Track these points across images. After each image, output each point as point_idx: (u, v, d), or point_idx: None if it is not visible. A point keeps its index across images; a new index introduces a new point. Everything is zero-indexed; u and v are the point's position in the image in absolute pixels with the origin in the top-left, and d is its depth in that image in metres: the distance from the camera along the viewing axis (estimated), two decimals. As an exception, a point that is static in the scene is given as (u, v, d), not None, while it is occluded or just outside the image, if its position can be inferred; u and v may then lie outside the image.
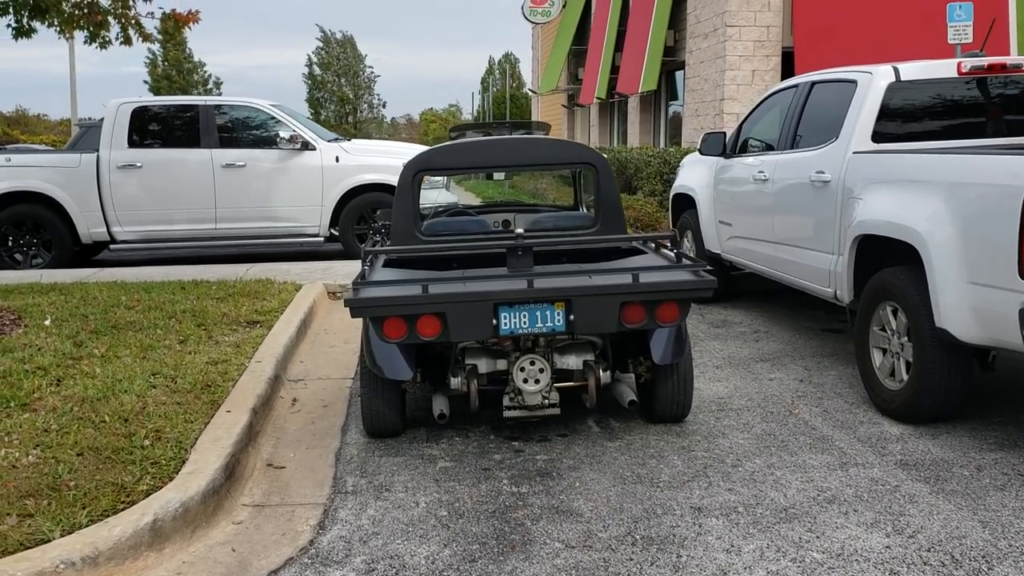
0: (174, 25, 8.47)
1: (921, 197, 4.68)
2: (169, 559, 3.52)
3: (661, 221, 12.89)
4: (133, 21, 8.27)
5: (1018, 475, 4.18)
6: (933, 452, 4.48)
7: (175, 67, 56.75)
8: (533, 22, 27.54)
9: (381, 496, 4.11)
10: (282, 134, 11.24)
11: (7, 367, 5.43)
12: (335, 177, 11.23)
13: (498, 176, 8.56)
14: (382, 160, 11.43)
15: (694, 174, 8.31)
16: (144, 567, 3.43)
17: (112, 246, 11.18)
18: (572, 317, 4.26)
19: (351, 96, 66.91)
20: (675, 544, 3.58)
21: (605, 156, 5.42)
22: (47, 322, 6.70)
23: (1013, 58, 5.72)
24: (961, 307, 4.36)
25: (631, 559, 3.47)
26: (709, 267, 4.49)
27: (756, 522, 3.75)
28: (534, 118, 36.32)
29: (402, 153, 11.81)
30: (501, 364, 4.61)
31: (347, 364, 6.43)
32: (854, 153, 5.49)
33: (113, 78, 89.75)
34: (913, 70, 5.56)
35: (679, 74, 18.14)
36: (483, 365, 4.61)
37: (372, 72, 68.84)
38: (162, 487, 3.82)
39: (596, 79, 21.46)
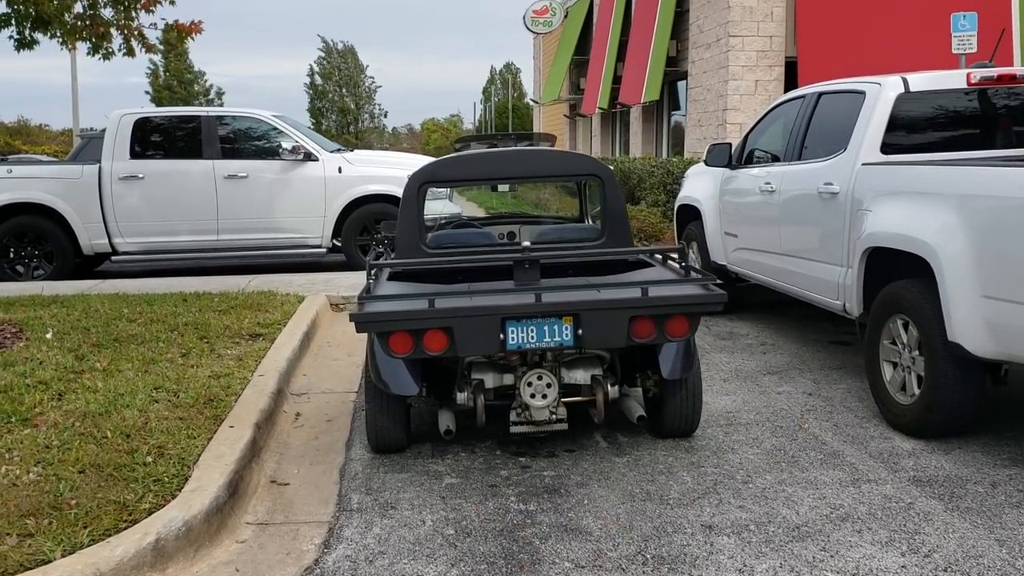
0: (177, 36, 8.44)
1: (932, 209, 4.62)
2: (172, 580, 3.47)
3: (665, 232, 12.86)
4: (136, 32, 8.24)
5: (1033, 492, 4.12)
6: (946, 468, 4.42)
7: (176, 78, 56.88)
8: (535, 32, 27.57)
9: (387, 514, 4.05)
10: (284, 145, 11.22)
11: (8, 381, 5.37)
12: (338, 188, 11.20)
13: (502, 187, 8.53)
14: (385, 171, 11.40)
15: (699, 185, 8.26)
16: (146, 588, 3.38)
17: (114, 257, 11.14)
18: (580, 332, 4.20)
19: (352, 107, 67.04)
20: (687, 564, 3.52)
21: (610, 167, 5.37)
22: (49, 335, 6.65)
23: (1023, 69, 5.67)
24: (974, 321, 4.30)
25: (642, 579, 3.41)
26: (719, 280, 4.43)
27: (768, 540, 3.69)
28: (535, 128, 36.33)
29: (405, 164, 11.80)
30: (508, 379, 4.56)
31: (350, 377, 6.37)
32: (863, 164, 5.44)
33: (114, 88, 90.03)
34: (922, 81, 5.51)
35: (681, 84, 18.12)
36: (490, 380, 4.56)
37: (373, 82, 68.99)
38: (165, 505, 3.76)
39: (598, 89, 21.46)
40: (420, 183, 5.27)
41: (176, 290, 8.86)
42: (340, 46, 67.72)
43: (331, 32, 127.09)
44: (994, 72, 5.43)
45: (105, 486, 3.91)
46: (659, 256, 5.28)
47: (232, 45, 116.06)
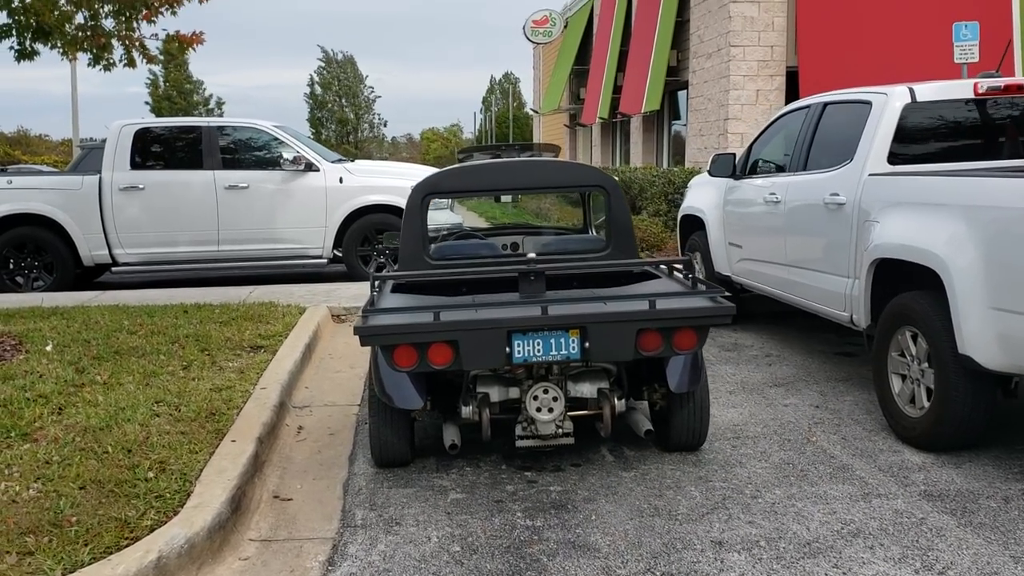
0: (178, 47, 8.41)
1: (941, 220, 4.58)
2: (174, 598, 3.41)
3: (667, 242, 12.82)
4: (137, 43, 8.21)
5: (1047, 506, 4.07)
6: (957, 482, 4.37)
7: (176, 88, 56.94)
8: (535, 42, 27.62)
9: (391, 530, 3.99)
10: (285, 155, 11.19)
11: (8, 395, 5.32)
12: (339, 198, 11.16)
13: (505, 198, 8.50)
14: (386, 181, 11.37)
15: (703, 195, 8.22)
16: (148, 607, 3.32)
17: (114, 268, 11.09)
18: (587, 345, 4.15)
19: (352, 117, 67.13)
20: (697, 581, 3.46)
21: (614, 178, 5.35)
22: (48, 348, 6.60)
23: (1029, 79, 5.64)
24: (985, 333, 4.25)
25: (652, 597, 3.35)
26: (727, 293, 4.39)
27: (779, 557, 3.63)
28: (535, 138, 36.34)
29: (406, 174, 11.77)
30: (513, 392, 4.50)
31: (353, 390, 6.32)
32: (870, 175, 5.40)
33: (114, 98, 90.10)
34: (929, 91, 5.48)
35: (682, 94, 18.12)
36: (495, 393, 4.50)
37: (372, 92, 69.08)
38: (167, 522, 3.70)
39: (598, 99, 21.46)
40: (424, 194, 5.23)
41: (177, 301, 8.82)
42: (340, 56, 67.87)
43: (331, 42, 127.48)
44: (1001, 82, 5.40)
45: (106, 502, 3.85)
46: (665, 268, 5.24)
47: (232, 55, 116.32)
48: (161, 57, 9.16)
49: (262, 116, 12.04)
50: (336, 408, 5.90)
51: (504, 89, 62.76)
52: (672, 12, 17.15)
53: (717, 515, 4.06)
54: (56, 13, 7.46)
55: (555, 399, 4.38)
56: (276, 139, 11.34)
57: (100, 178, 10.83)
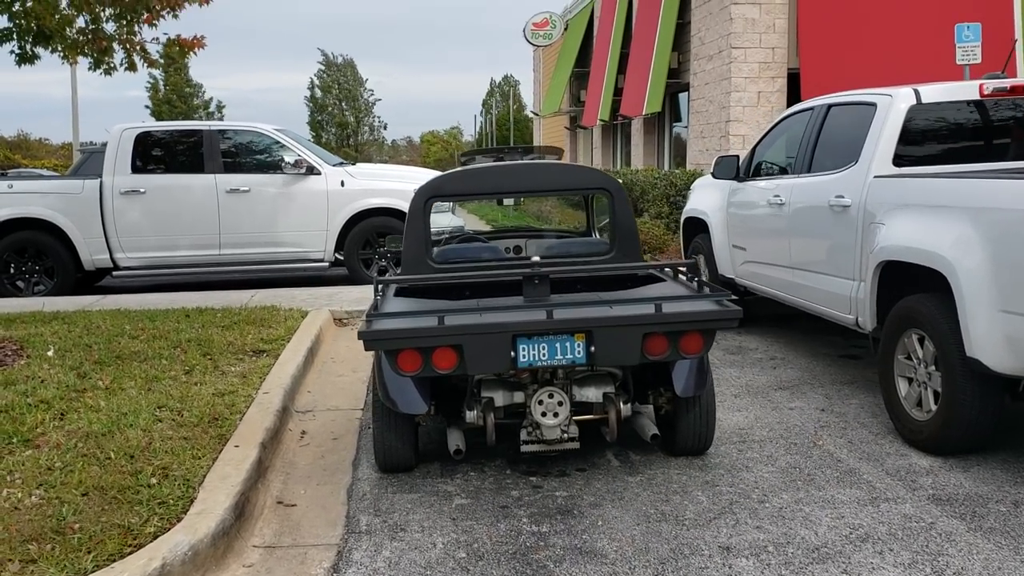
0: (179, 51, 8.38)
1: (947, 222, 4.56)
2: (178, 606, 3.38)
3: (669, 244, 12.80)
4: (138, 47, 8.19)
5: (1056, 510, 4.04)
6: (966, 486, 4.34)
7: (176, 92, 56.94)
8: (535, 45, 27.61)
9: (396, 536, 3.96)
10: (287, 159, 11.16)
11: (9, 401, 5.29)
12: (340, 202, 11.13)
13: (506, 200, 8.49)
14: (388, 184, 11.34)
15: (706, 198, 8.20)
16: (152, 615, 3.29)
17: (115, 272, 11.06)
18: (593, 349, 4.12)
19: (352, 120, 67.15)
20: (706, 587, 3.43)
21: (619, 181, 5.32)
22: (50, 353, 6.57)
23: (1036, 79, 5.62)
24: (993, 336, 4.22)
25: (661, 604, 3.32)
26: (734, 296, 4.36)
27: (788, 563, 3.60)
28: (536, 140, 36.33)
29: (407, 177, 11.74)
30: (518, 397, 4.48)
31: (356, 394, 6.29)
32: (875, 177, 5.37)
33: (114, 102, 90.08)
34: (934, 92, 5.46)
35: (683, 96, 18.10)
36: (500, 398, 4.48)
37: (372, 95, 69.09)
38: (170, 528, 3.67)
39: (599, 101, 21.45)
40: (427, 197, 5.20)
41: (178, 305, 8.79)
42: (340, 59, 67.89)
43: (332, 45, 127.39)
44: (1007, 83, 5.38)
45: (109, 509, 3.82)
46: (670, 271, 5.21)
47: (232, 58, 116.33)
48: (161, 61, 9.11)
49: (262, 119, 12.01)
50: (339, 412, 5.87)
51: (504, 92, 62.75)
52: (673, 14, 17.14)
53: (724, 520, 4.02)
54: (57, 17, 7.44)
55: (560, 404, 4.35)
56: (277, 142, 11.32)
57: (101, 182, 10.81)
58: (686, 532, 3.91)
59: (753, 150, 7.43)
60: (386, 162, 49.59)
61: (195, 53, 8.54)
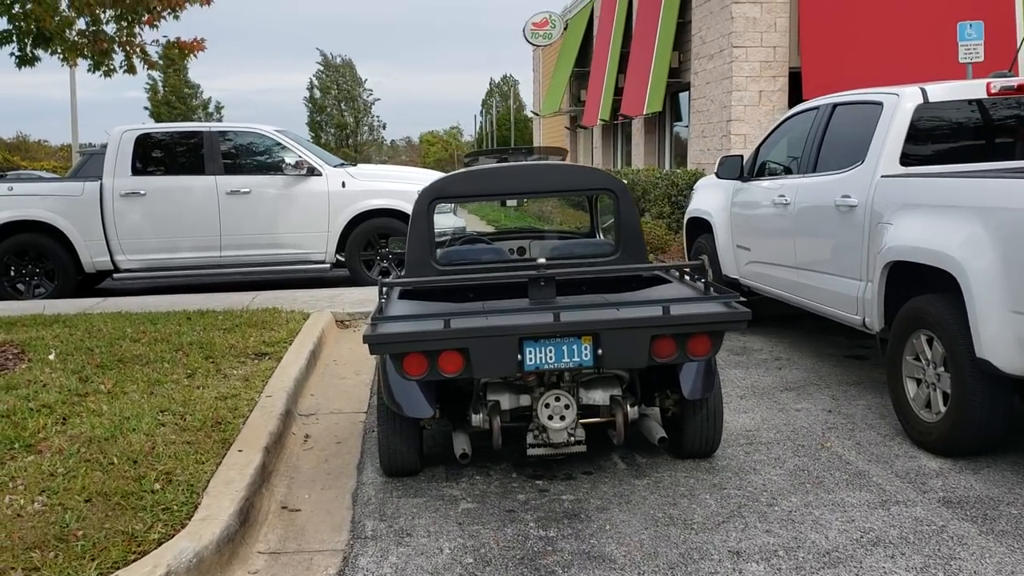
0: (179, 54, 8.35)
1: (956, 222, 4.52)
2: (183, 614, 3.34)
3: (671, 244, 12.76)
4: (138, 49, 8.15)
5: (1068, 513, 4.00)
6: (976, 488, 4.30)
7: (175, 93, 56.88)
8: (535, 44, 27.55)
9: (402, 542, 3.92)
10: (287, 160, 11.12)
11: (11, 405, 5.25)
12: (341, 203, 11.09)
13: (509, 201, 8.43)
14: (389, 185, 11.30)
15: (710, 198, 8.16)
16: (157, 624, 3.25)
17: (115, 275, 11.02)
18: (600, 352, 4.09)
19: (351, 121, 67.10)
20: (716, 593, 3.39)
21: (623, 181, 5.29)
22: (51, 356, 6.53)
23: (1042, 77, 5.58)
24: (1004, 337, 4.19)
25: (671, 610, 3.28)
26: (742, 298, 4.32)
27: (799, 567, 3.57)
28: (536, 140, 36.29)
29: (408, 178, 11.71)
30: (524, 400, 4.44)
31: (359, 397, 6.25)
32: (882, 177, 5.34)
33: (113, 103, 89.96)
34: (941, 91, 5.42)
35: (683, 95, 18.06)
36: (506, 401, 4.44)
37: (371, 95, 69.02)
38: (174, 535, 3.63)
39: (599, 101, 21.41)
40: (430, 199, 5.17)
41: (179, 308, 8.75)
42: (338, 60, 67.81)
43: (332, 46, 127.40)
44: (1014, 82, 5.34)
45: (112, 515, 3.78)
46: (676, 272, 5.17)
47: (232, 59, 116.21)
48: (161, 63, 9.08)
49: (262, 120, 11.97)
50: (342, 416, 5.83)
51: (503, 92, 62.67)
52: (673, 13, 17.09)
53: (733, 524, 3.99)
54: (57, 19, 7.40)
55: (567, 407, 4.31)
56: (278, 144, 11.28)
57: (101, 184, 10.77)
58: (695, 536, 3.87)
59: (757, 150, 7.39)
60: (385, 162, 49.58)
61: (195, 56, 8.52)
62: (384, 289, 4.66)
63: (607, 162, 24.41)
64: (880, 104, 5.58)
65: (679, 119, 19.09)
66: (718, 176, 7.63)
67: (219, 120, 51.95)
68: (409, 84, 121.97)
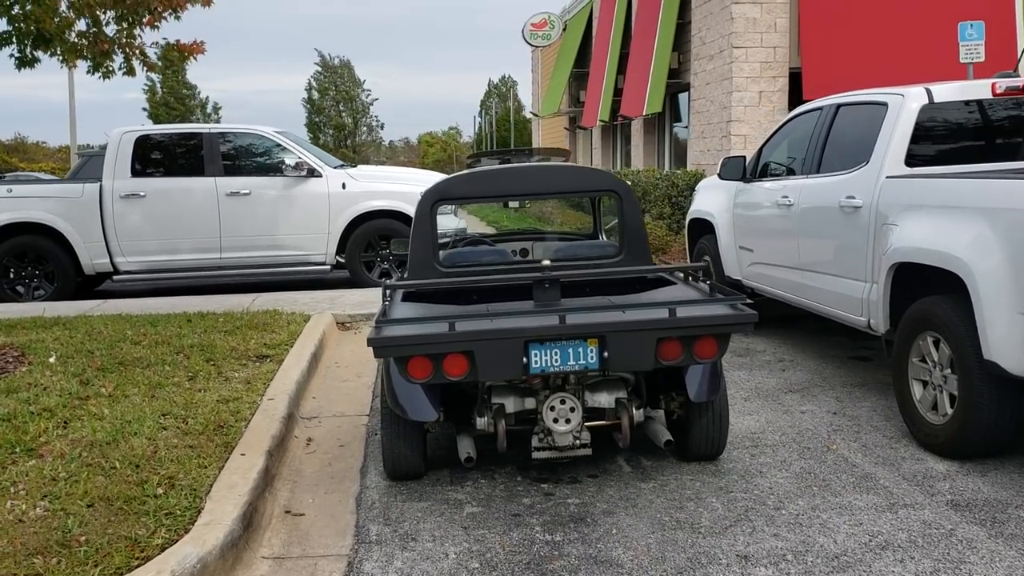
0: (179, 56, 8.32)
1: (963, 223, 4.49)
2: (187, 621, 3.31)
3: (671, 245, 12.74)
4: (137, 51, 8.12)
5: (1078, 516, 3.97)
6: (984, 491, 4.27)
7: (173, 94, 56.82)
8: (534, 45, 27.52)
9: (407, 546, 3.89)
10: (287, 161, 11.09)
11: (12, 409, 5.22)
12: (342, 204, 11.07)
13: (512, 203, 8.38)
14: (389, 186, 11.28)
15: (712, 199, 8.13)
16: (161, 630, 3.22)
17: (115, 277, 10.99)
18: (606, 354, 4.06)
19: (349, 122, 67.06)
20: (725, 598, 3.36)
21: (627, 183, 5.26)
22: (52, 359, 6.49)
23: (1047, 78, 5.55)
24: (1012, 338, 4.16)
25: (680, 616, 3.25)
26: (749, 300, 4.29)
27: (808, 572, 3.54)
28: (535, 141, 36.26)
29: (409, 179, 11.68)
30: (529, 403, 4.41)
31: (361, 400, 6.22)
32: (887, 177, 5.31)
33: (112, 105, 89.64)
34: (946, 91, 5.39)
35: (683, 96, 18.03)
36: (511, 404, 4.41)
37: (370, 95, 68.96)
38: (178, 540, 3.60)
39: (599, 102, 21.38)
40: (433, 200, 5.14)
41: (179, 310, 8.72)
42: (337, 61, 67.77)
43: (331, 47, 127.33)
44: (1019, 82, 5.31)
45: (115, 520, 3.75)
46: (680, 273, 5.15)
47: (230, 60, 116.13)
48: (160, 64, 9.06)
49: (260, 121, 11.94)
50: (345, 419, 5.80)
51: (502, 93, 62.62)
52: (673, 14, 17.07)
53: (741, 528, 3.96)
54: (56, 20, 7.37)
55: (572, 409, 4.28)
56: (278, 145, 11.25)
57: (101, 186, 10.74)
58: (702, 540, 3.85)
59: (760, 151, 7.36)
60: (383, 163, 49.52)
61: (195, 59, 8.49)
62: (388, 291, 4.63)
63: (606, 163, 24.38)
64: (885, 105, 5.56)
65: (678, 120, 19.06)
66: (721, 177, 7.60)
67: (217, 121, 51.95)
68: (407, 85, 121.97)
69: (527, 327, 4.05)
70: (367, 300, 9.48)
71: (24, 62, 7.75)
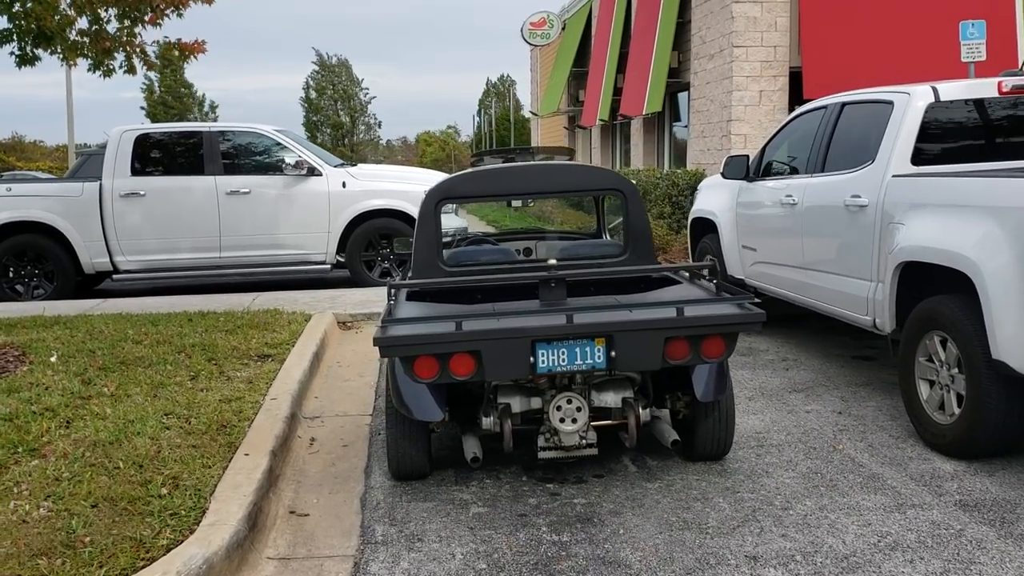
0: (179, 55, 8.29)
1: (971, 222, 4.47)
2: (193, 622, 3.29)
3: (672, 244, 12.72)
4: (138, 49, 8.09)
5: (1087, 516, 3.96)
6: (992, 491, 4.25)
7: (171, 93, 56.69)
8: (532, 44, 27.46)
9: (414, 547, 3.87)
10: (287, 160, 11.06)
11: (14, 409, 5.18)
12: (342, 203, 11.04)
13: (515, 201, 8.32)
14: (389, 185, 11.25)
15: (714, 198, 8.11)
16: (167, 632, 3.20)
17: (115, 276, 10.95)
18: (614, 354, 4.03)
19: (347, 121, 66.97)
20: (735, 599, 3.34)
21: (632, 182, 5.23)
22: (53, 359, 6.46)
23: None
24: (1021, 338, 4.14)
25: (690, 617, 3.23)
26: (757, 299, 4.27)
27: (818, 573, 3.52)
28: (534, 140, 36.22)
29: (409, 178, 11.66)
30: (535, 402, 4.38)
31: (364, 399, 6.20)
32: (893, 176, 5.29)
33: (109, 104, 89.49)
34: (952, 90, 5.38)
35: (683, 95, 18.01)
36: (517, 404, 4.38)
37: (367, 93, 68.85)
38: (183, 541, 3.58)
39: (598, 101, 21.35)
40: (438, 199, 5.11)
41: (180, 309, 8.69)
42: (334, 60, 67.64)
43: (329, 46, 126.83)
44: (1025, 80, 5.30)
45: (120, 521, 3.72)
46: (684, 273, 5.12)
47: (228, 60, 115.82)
48: (159, 63, 9.03)
49: (258, 120, 11.91)
50: (348, 418, 5.77)
51: (500, 92, 62.55)
52: (673, 13, 17.05)
53: (749, 528, 3.94)
54: (57, 18, 7.33)
55: (579, 409, 4.26)
56: (278, 143, 11.22)
57: (100, 185, 10.71)
58: (710, 541, 3.82)
59: (763, 150, 7.34)
60: (381, 162, 49.42)
61: (195, 57, 8.45)
62: (392, 290, 4.61)
63: (606, 162, 24.36)
64: (891, 103, 5.54)
65: (678, 119, 19.04)
66: (724, 176, 7.58)
67: (215, 120, 51.85)
68: (405, 84, 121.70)
69: (534, 326, 4.02)
70: (368, 299, 9.46)
71: (24, 60, 7.71)
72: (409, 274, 5.41)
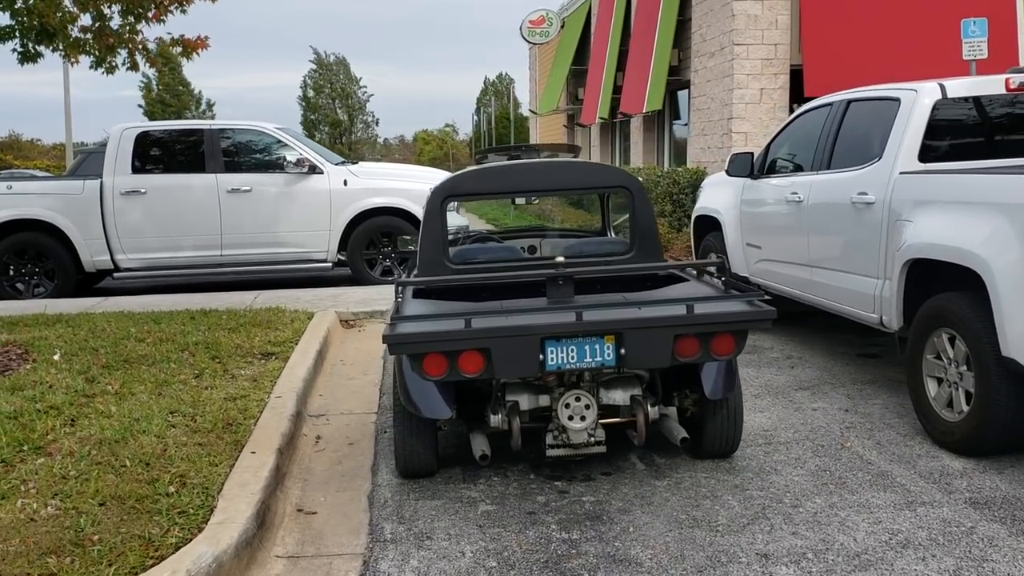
0: (183, 51, 8.27)
1: (980, 219, 4.46)
2: (204, 621, 3.27)
3: (673, 242, 12.71)
4: (140, 46, 8.06)
5: (1098, 513, 3.95)
6: (1003, 489, 4.24)
7: (169, 91, 56.61)
8: (531, 43, 27.45)
9: (423, 545, 3.85)
10: (289, 158, 11.03)
11: (18, 407, 5.16)
12: (343, 201, 11.01)
13: (519, 199, 8.27)
14: (391, 183, 11.22)
15: (718, 196, 8.10)
16: (178, 631, 3.18)
17: (116, 274, 10.92)
18: (623, 351, 4.02)
19: (345, 118, 66.90)
20: (748, 597, 3.33)
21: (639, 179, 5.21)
22: (56, 357, 6.44)
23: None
24: (1031, 335, 4.13)
25: (703, 615, 3.22)
26: (767, 296, 4.26)
27: (830, 570, 3.51)
28: (532, 139, 36.19)
29: (411, 176, 11.63)
30: (544, 400, 4.37)
31: (368, 397, 6.18)
32: (901, 173, 5.28)
33: (106, 102, 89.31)
34: (960, 87, 5.37)
35: (683, 93, 18.00)
36: (525, 401, 4.37)
37: (365, 92, 68.77)
38: (192, 539, 3.56)
39: (598, 99, 21.33)
40: (443, 197, 5.09)
41: (182, 307, 8.66)
42: (332, 58, 67.55)
43: (327, 44, 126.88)
44: (1033, 77, 5.28)
45: (128, 519, 3.71)
46: (691, 270, 5.11)
47: (227, 58, 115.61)
48: (159, 59, 9.02)
49: (255, 118, 11.87)
50: (353, 417, 5.76)
51: (498, 91, 62.50)
52: (673, 11, 17.03)
53: (759, 526, 3.93)
54: (60, 15, 7.30)
55: (587, 407, 4.25)
56: (279, 141, 11.19)
57: (101, 182, 10.67)
58: (721, 539, 3.81)
59: (768, 147, 7.33)
60: (378, 160, 49.37)
61: (199, 53, 8.43)
62: (399, 288, 4.59)
63: (605, 160, 24.34)
64: (897, 100, 5.53)
65: (678, 117, 19.02)
66: (728, 173, 7.56)
67: (212, 118, 51.77)
68: (403, 83, 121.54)
69: (544, 324, 4.01)
70: (370, 298, 9.44)
71: (26, 57, 7.69)
72: (414, 272, 5.39)
